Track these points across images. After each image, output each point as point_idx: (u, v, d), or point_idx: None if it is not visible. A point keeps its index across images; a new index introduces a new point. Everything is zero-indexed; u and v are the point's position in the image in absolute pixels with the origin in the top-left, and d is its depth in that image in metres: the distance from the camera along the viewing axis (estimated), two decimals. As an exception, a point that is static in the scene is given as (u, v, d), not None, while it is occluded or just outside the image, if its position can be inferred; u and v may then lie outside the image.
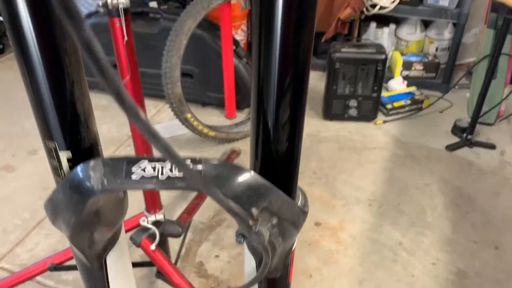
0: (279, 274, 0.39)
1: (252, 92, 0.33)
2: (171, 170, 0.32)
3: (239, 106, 2.11)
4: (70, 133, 0.35)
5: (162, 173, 0.32)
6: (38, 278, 1.29)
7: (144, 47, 2.01)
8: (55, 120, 0.34)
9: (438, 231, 1.49)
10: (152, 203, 1.12)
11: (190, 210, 1.26)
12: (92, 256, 0.38)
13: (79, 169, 0.33)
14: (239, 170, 0.31)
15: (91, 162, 0.33)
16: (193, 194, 1.43)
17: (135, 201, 1.23)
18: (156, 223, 1.13)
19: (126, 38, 0.87)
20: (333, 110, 2.06)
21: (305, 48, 0.32)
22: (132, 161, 0.33)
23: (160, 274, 1.26)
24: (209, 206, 1.57)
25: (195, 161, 0.32)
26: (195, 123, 1.73)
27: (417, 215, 1.56)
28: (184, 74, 1.92)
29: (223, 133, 1.86)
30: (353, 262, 1.38)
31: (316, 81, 2.40)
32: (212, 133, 1.81)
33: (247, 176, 0.32)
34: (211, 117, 2.10)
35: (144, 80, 2.06)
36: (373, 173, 1.76)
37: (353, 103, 2.02)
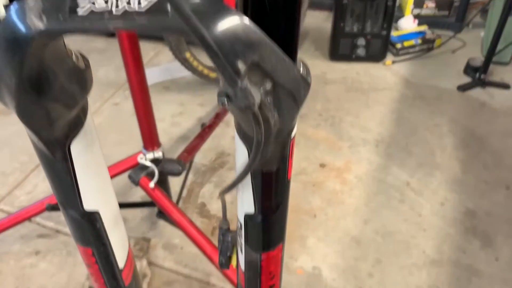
0: (276, 167, 0.33)
1: None
2: (128, 2, 0.26)
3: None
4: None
5: (117, 6, 0.26)
6: (38, 219, 1.27)
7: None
8: None
9: (448, 172, 1.44)
10: (150, 139, 1.07)
11: (190, 150, 1.21)
12: (51, 143, 0.32)
13: (13, 8, 0.26)
14: (223, 8, 0.25)
15: None
16: (194, 135, 1.38)
17: (134, 140, 1.18)
18: (155, 161, 1.09)
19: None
20: (340, 50, 1.96)
21: None
22: (79, -7, 0.26)
23: (161, 214, 1.23)
24: (211, 149, 1.53)
25: None
26: (195, 63, 1.65)
27: (426, 156, 1.51)
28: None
29: (224, 74, 1.78)
30: (358, 203, 1.35)
31: (323, 21, 2.29)
32: (213, 75, 1.73)
33: (233, 19, 0.25)
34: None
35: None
36: (380, 115, 1.70)
37: (361, 41, 1.92)
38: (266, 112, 0.28)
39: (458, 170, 1.45)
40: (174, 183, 1.34)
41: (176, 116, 1.69)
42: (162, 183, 1.15)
